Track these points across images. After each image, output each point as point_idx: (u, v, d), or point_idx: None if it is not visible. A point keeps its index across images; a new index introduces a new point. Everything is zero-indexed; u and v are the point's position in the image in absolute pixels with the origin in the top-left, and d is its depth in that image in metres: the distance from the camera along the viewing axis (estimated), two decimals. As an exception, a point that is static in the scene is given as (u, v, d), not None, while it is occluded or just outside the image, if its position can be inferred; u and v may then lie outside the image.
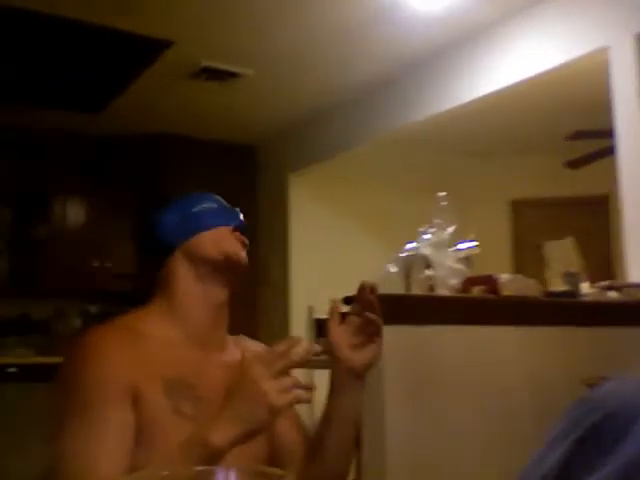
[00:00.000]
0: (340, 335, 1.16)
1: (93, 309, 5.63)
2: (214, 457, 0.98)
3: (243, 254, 1.28)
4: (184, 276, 1.25)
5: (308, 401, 1.01)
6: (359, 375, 1.19)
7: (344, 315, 1.17)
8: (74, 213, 5.62)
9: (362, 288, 1.17)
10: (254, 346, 1.34)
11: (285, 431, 1.27)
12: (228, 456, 1.00)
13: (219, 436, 0.98)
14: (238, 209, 1.35)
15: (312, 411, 1.29)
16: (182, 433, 1.04)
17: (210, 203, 1.31)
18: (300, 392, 1.00)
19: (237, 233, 1.30)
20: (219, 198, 1.35)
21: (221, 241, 1.26)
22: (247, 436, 1.00)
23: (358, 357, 1.17)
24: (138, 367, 1.13)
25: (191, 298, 1.24)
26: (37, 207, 5.57)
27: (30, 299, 5.57)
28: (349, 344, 1.16)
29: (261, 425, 1.00)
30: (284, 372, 1.00)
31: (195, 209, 1.29)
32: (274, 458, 1.26)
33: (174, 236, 1.27)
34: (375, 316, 1.16)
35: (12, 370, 4.88)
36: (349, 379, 1.18)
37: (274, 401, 0.97)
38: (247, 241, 1.30)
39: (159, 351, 1.18)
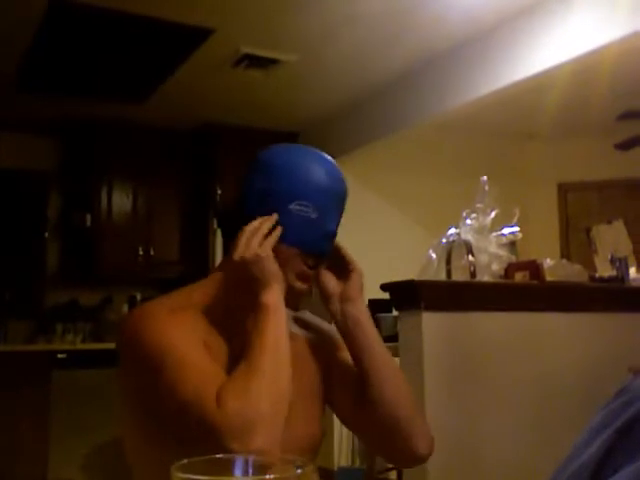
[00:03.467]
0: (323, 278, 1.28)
1: (139, 296, 5.72)
2: (279, 313, 1.14)
3: None
4: None
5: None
6: (348, 298, 1.27)
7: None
8: (119, 202, 5.69)
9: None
10: (316, 321, 1.37)
11: (344, 364, 1.30)
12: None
13: (270, 297, 1.14)
14: None
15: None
16: None
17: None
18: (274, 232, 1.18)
19: None
20: None
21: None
22: (279, 285, 1.16)
23: (339, 284, 1.28)
24: (200, 326, 1.17)
25: None
26: (84, 196, 5.67)
27: (78, 287, 5.69)
28: (330, 279, 1.28)
29: (274, 272, 1.15)
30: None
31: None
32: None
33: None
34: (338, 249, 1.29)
35: (61, 356, 5.00)
36: (344, 308, 1.26)
37: (255, 254, 1.15)
38: None
39: (214, 316, 1.21)
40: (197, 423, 1.01)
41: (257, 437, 1.00)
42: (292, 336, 1.23)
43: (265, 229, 1.18)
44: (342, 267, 1.29)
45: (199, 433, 1.01)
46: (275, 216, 1.19)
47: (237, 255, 1.16)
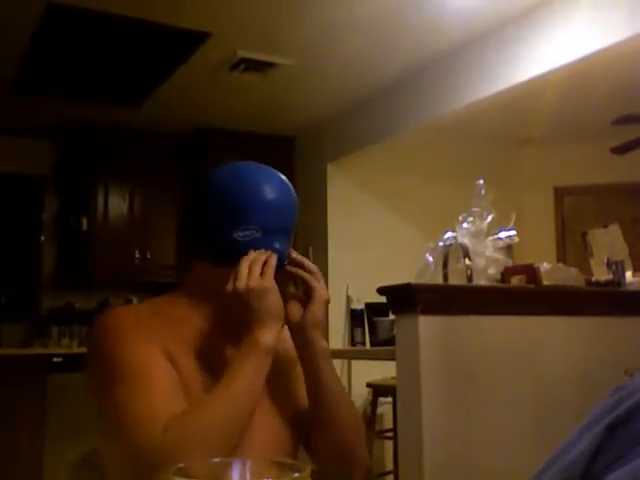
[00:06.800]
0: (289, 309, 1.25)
1: (136, 300, 5.71)
2: (269, 358, 1.12)
3: None
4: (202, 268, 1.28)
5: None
6: (312, 324, 1.24)
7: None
8: (116, 205, 5.67)
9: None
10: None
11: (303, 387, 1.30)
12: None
13: (267, 337, 1.12)
14: None
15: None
16: None
17: None
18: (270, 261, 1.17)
19: None
20: None
21: None
22: (279, 325, 1.16)
23: (299, 313, 1.24)
24: (166, 335, 1.16)
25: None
26: (80, 200, 5.66)
27: (74, 290, 5.68)
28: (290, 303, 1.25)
29: (278, 307, 1.16)
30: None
31: None
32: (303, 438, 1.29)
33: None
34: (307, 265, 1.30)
35: (57, 360, 4.99)
36: (302, 338, 1.24)
37: (261, 284, 1.13)
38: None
39: (182, 326, 1.21)
40: (140, 442, 1.03)
41: None
42: None
43: (263, 258, 1.18)
44: (307, 293, 1.27)
45: (137, 450, 1.03)
46: (268, 252, 1.19)
47: (240, 284, 1.14)
